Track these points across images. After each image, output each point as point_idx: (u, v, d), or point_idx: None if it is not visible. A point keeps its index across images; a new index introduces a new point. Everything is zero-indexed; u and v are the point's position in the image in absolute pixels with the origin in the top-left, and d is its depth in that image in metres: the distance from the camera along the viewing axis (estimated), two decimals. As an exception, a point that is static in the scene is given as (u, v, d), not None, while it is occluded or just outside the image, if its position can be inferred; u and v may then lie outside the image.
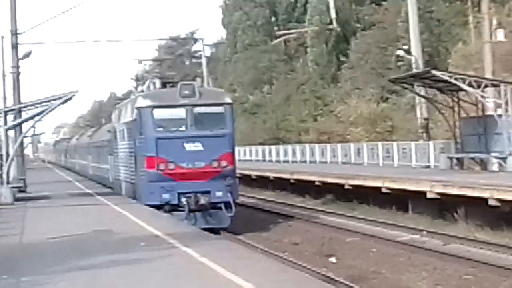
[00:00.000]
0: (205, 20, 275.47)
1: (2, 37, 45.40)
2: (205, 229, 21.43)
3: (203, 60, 71.94)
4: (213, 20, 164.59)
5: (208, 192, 25.50)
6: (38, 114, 32.38)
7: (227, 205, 25.99)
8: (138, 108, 27.13)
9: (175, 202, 25.75)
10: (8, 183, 31.59)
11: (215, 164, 25.78)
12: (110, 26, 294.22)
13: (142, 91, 31.62)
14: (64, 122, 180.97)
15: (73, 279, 11.67)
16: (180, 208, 25.52)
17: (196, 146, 25.76)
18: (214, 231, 23.99)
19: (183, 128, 26.38)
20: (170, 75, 65.83)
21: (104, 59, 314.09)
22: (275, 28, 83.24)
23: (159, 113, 26.61)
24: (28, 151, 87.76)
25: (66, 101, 31.44)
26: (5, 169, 31.38)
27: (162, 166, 25.76)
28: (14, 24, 39.77)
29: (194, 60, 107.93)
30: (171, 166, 25.82)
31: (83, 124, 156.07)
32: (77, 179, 56.89)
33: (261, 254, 19.52)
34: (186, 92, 26.66)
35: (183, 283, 11.08)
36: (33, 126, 42.23)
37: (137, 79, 58.41)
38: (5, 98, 49.55)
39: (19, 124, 34.27)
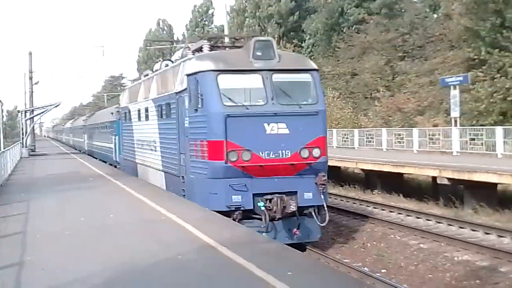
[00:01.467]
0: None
1: (30, 53, 62.31)
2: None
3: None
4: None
5: (294, 193, 18.46)
6: (41, 113, 62.42)
7: (319, 210, 19.16)
8: (192, 74, 19.24)
9: (250, 207, 18.34)
10: (26, 146, 58.04)
11: (305, 153, 18.52)
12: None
13: (167, 64, 25.73)
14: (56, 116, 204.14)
15: (55, 194, 22.76)
16: (256, 216, 18.32)
17: (281, 128, 18.40)
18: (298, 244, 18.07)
19: (261, 102, 18.80)
20: (219, 35, 51.37)
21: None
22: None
23: (226, 81, 18.76)
24: (37, 131, 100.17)
25: (55, 107, 61.84)
26: (25, 139, 58.94)
27: (233, 156, 18.05)
28: (30, 65, 61.40)
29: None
30: (246, 155, 18.08)
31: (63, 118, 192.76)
32: (67, 149, 79.06)
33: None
34: (262, 52, 18.95)
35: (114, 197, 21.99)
36: (39, 118, 73.48)
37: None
38: (25, 104, 65.26)
39: (32, 118, 61.76)
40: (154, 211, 17.69)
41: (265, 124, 18.22)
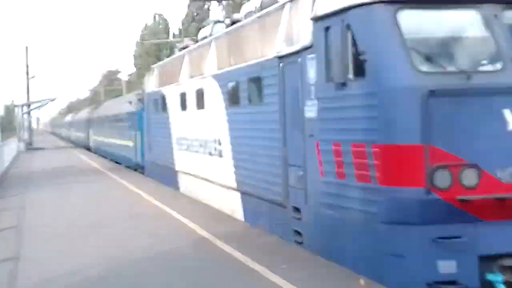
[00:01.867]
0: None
1: (26, 48, 65.11)
2: None
3: None
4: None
5: None
6: (37, 107, 62.45)
7: None
8: (333, 14, 10.00)
9: (475, 284, 9.38)
10: (23, 141, 59.65)
11: None
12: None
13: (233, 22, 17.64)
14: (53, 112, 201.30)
15: (52, 186, 23.90)
16: None
17: None
18: None
19: (490, 67, 9.77)
20: None
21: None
22: None
23: (415, 24, 9.63)
24: (34, 126, 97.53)
25: (52, 101, 62.01)
26: (21, 134, 59.62)
27: (444, 178, 9.02)
28: (26, 60, 64.31)
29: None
30: (471, 177, 9.04)
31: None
32: (65, 143, 77.91)
33: None
34: None
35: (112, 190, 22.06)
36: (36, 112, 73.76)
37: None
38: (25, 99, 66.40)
39: (28, 112, 62.78)
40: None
41: (506, 112, 9.03)
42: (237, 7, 62.26)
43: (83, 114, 69.93)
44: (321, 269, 9.83)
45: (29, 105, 61.27)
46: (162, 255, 11.09)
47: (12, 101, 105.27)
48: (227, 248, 11.39)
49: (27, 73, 60.87)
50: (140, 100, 31.22)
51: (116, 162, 38.94)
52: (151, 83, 27.35)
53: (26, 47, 64.39)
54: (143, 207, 17.26)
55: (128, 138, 35.05)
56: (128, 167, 33.34)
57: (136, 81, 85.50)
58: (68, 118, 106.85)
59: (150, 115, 27.17)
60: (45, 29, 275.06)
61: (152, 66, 28.88)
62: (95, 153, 51.52)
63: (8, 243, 12.80)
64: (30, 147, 59.32)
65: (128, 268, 10.32)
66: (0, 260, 11.21)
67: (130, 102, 35.05)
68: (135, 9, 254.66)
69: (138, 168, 30.92)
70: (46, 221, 15.42)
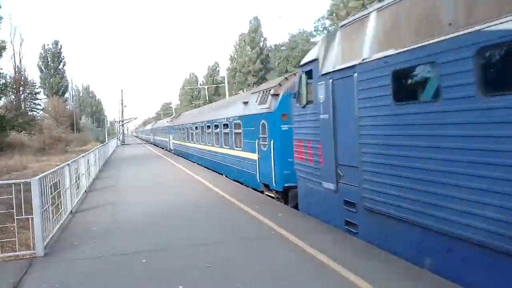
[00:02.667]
0: None
1: (122, 90, 68.70)
2: None
3: None
4: None
5: None
6: (127, 122, 61.45)
7: None
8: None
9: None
10: (120, 139, 59.04)
11: None
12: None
13: None
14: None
15: (134, 164, 23.37)
16: None
17: None
18: None
19: None
20: None
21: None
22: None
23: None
24: (126, 131, 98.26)
25: (135, 119, 61.50)
26: (119, 135, 59.36)
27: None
28: (121, 97, 65.46)
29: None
30: None
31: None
32: (143, 142, 69.40)
33: None
34: None
35: (169, 166, 21.37)
36: (126, 123, 70.13)
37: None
38: (119, 117, 70.67)
39: (122, 124, 62.19)
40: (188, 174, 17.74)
41: None
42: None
43: (148, 126, 66.31)
44: (275, 206, 10.01)
45: (122, 121, 61.21)
46: (196, 201, 11.21)
47: (114, 118, 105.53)
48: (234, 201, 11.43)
49: (122, 103, 60.86)
50: (171, 121, 24.60)
51: (162, 148, 32.38)
52: (334, 53, 7.78)
53: (122, 90, 65.28)
54: (183, 175, 17.24)
55: (166, 137, 27.58)
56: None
57: (180, 109, 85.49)
58: (141, 129, 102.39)
59: (319, 113, 8.74)
60: (133, 75, 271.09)
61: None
62: (153, 144, 49.68)
63: (111, 194, 12.98)
64: (123, 143, 58.75)
65: (174, 202, 10.50)
66: (107, 203, 11.42)
67: (167, 121, 28.17)
68: (177, 68, 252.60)
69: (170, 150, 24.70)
70: (130, 183, 15.55)
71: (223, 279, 5.43)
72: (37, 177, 7.07)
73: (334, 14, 39.05)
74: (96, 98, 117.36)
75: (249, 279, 5.38)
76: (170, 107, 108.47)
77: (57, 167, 9.40)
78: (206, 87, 72.12)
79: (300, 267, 5.69)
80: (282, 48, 62.86)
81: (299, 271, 5.55)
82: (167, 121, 38.13)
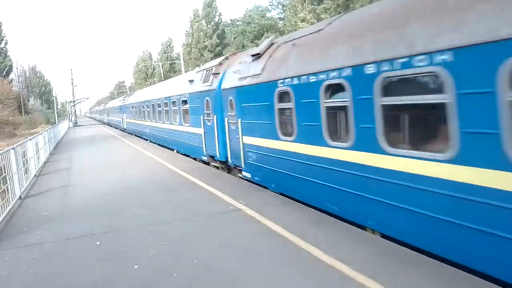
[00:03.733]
0: None
1: (71, 69, 63.52)
2: None
3: None
4: None
5: None
6: (78, 102, 59.05)
7: None
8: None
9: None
10: (71, 121, 56.55)
11: None
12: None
13: None
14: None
15: (86, 146, 22.29)
16: None
17: None
18: None
19: None
20: None
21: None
22: None
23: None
24: (78, 112, 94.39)
25: (87, 99, 58.65)
26: (71, 117, 56.87)
27: None
28: (71, 75, 61.81)
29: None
30: None
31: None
32: (96, 122, 68.12)
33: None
34: None
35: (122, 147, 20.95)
36: (78, 104, 67.03)
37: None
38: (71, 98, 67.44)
39: (74, 105, 59.59)
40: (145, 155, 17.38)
41: None
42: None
43: (101, 107, 64.25)
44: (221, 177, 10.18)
45: (74, 101, 58.60)
46: (147, 175, 11.03)
47: (65, 99, 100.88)
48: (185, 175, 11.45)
49: (72, 83, 58.09)
50: (123, 100, 23.34)
51: (115, 128, 31.18)
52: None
53: (71, 69, 62.49)
54: (137, 154, 16.82)
55: (120, 117, 26.42)
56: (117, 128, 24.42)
57: (134, 88, 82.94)
58: (95, 109, 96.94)
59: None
60: (84, 53, 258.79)
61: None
62: (108, 125, 47.06)
63: (63, 177, 12.50)
64: (75, 124, 56.34)
65: (129, 182, 10.23)
66: (58, 186, 11.04)
67: (120, 101, 27.27)
68: (130, 45, 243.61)
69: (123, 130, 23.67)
70: (84, 164, 14.99)
71: (179, 256, 5.41)
72: (-23, 162, 6.67)
73: (288, -12, 38.57)
74: (45, 79, 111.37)
75: (205, 251, 5.39)
76: (124, 86, 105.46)
77: (1, 151, 8.91)
78: (160, 64, 70.24)
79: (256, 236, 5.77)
80: (238, 23, 61.91)
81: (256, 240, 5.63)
82: (120, 101, 36.65)
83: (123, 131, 31.60)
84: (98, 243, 6.16)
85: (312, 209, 6.95)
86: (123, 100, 33.51)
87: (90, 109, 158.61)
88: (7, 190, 8.76)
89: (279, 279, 4.60)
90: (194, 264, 5.15)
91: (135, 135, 27.21)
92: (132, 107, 27.62)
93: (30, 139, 13.34)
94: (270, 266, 4.92)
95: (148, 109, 22.03)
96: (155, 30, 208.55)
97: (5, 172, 8.83)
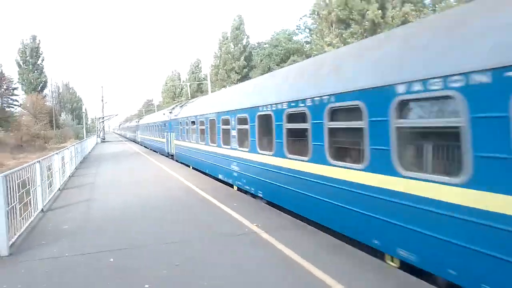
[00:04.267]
0: None
1: (102, 87, 68.01)
2: None
3: None
4: None
5: None
6: (107, 119, 60.59)
7: None
8: None
9: None
10: (99, 137, 57.98)
11: None
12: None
13: None
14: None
15: (113, 161, 23.36)
16: None
17: None
18: None
19: None
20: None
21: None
22: None
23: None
24: (106, 128, 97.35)
25: (116, 115, 60.35)
26: (100, 133, 58.36)
27: None
28: (102, 93, 64.52)
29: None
30: None
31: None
32: (124, 139, 69.33)
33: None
34: None
35: (146, 164, 21.49)
36: (107, 120, 68.64)
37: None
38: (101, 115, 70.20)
39: (103, 121, 61.11)
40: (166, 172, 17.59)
41: None
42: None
43: (133, 122, 63.86)
44: (263, 206, 10.12)
45: (103, 118, 60.22)
46: (168, 194, 11.12)
47: (95, 116, 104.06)
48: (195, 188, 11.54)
49: (102, 100, 59.86)
50: (171, 113, 23.94)
51: (155, 151, 30.48)
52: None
53: (102, 86, 64.50)
54: (161, 172, 17.07)
55: (163, 136, 27.18)
56: (162, 154, 27.14)
57: (162, 106, 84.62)
58: (124, 125, 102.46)
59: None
60: (115, 72, 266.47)
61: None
62: (140, 145, 45.05)
63: (88, 191, 12.72)
64: (103, 140, 57.75)
65: (150, 199, 10.32)
66: (81, 201, 11.20)
67: (164, 114, 27.77)
68: (159, 65, 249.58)
69: (168, 155, 24.79)
70: (107, 180, 15.22)
71: (191, 275, 5.35)
72: (2, 174, 6.85)
73: (316, 13, 38.96)
74: (77, 95, 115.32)
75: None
76: (152, 104, 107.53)
77: (26, 164, 9.15)
78: (188, 84, 71.54)
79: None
80: (265, 45, 62.74)
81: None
82: (135, 121, 35.80)
83: (167, 156, 25.55)
84: (112, 259, 6.17)
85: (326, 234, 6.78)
86: (170, 112, 25.20)
87: (120, 125, 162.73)
88: (30, 202, 8.94)
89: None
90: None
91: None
92: (192, 122, 17.54)
93: (56, 153, 13.68)
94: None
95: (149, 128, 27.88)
96: (184, 50, 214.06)
97: (28, 185, 9.03)
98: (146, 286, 5.16)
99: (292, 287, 4.91)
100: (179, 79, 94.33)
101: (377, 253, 5.76)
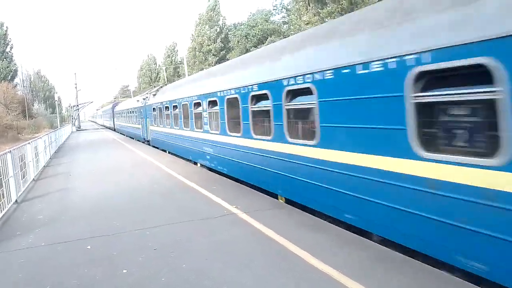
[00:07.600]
0: None
1: (75, 74, 64.99)
2: None
3: None
4: None
5: None
6: (82, 107, 59.20)
7: None
8: None
9: None
10: (75, 125, 56.78)
11: None
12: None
13: None
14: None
15: (89, 150, 22.29)
16: None
17: None
18: None
19: None
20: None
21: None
22: None
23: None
24: (81, 117, 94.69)
25: (90, 103, 58.63)
26: (75, 121, 57.25)
27: None
28: (75, 80, 62.64)
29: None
30: None
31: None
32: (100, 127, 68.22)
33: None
34: None
35: (123, 151, 22.16)
36: (82, 108, 67.02)
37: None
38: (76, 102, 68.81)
39: (78, 109, 59.88)
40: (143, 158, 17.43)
41: None
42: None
43: (108, 109, 60.53)
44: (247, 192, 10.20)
45: (77, 106, 58.90)
46: (146, 181, 11.07)
47: (69, 103, 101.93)
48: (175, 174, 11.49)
49: (76, 87, 58.22)
50: (145, 99, 23.94)
51: (132, 138, 30.11)
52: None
53: (75, 73, 62.98)
54: (138, 158, 16.91)
55: (139, 123, 26.88)
56: (138, 140, 27.09)
57: (138, 91, 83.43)
58: (100, 112, 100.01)
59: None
60: (88, 58, 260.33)
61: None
62: (117, 132, 44.00)
63: (63, 181, 12.55)
64: (79, 128, 56.53)
65: (128, 188, 10.28)
66: (56, 191, 11.08)
67: (138, 101, 27.40)
68: (135, 49, 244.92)
69: (144, 141, 24.86)
70: (83, 169, 15.01)
71: (169, 259, 5.40)
72: (-30, 166, 6.71)
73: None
74: (49, 83, 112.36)
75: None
76: (128, 90, 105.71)
77: (-4, 155, 8.97)
78: (164, 68, 70.52)
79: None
80: (242, 27, 62.11)
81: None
82: (139, 100, 28.50)
83: (144, 142, 25.61)
84: (89, 247, 6.16)
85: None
86: (144, 98, 25.04)
87: (95, 113, 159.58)
88: (3, 194, 8.80)
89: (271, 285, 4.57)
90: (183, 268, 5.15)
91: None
92: (166, 107, 17.83)
93: (29, 143, 13.42)
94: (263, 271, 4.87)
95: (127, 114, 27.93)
96: (160, 34, 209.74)
97: (1, 176, 8.87)
98: (124, 271, 5.19)
99: (265, 256, 5.02)
100: (155, 63, 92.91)
101: (352, 229, 5.97)
